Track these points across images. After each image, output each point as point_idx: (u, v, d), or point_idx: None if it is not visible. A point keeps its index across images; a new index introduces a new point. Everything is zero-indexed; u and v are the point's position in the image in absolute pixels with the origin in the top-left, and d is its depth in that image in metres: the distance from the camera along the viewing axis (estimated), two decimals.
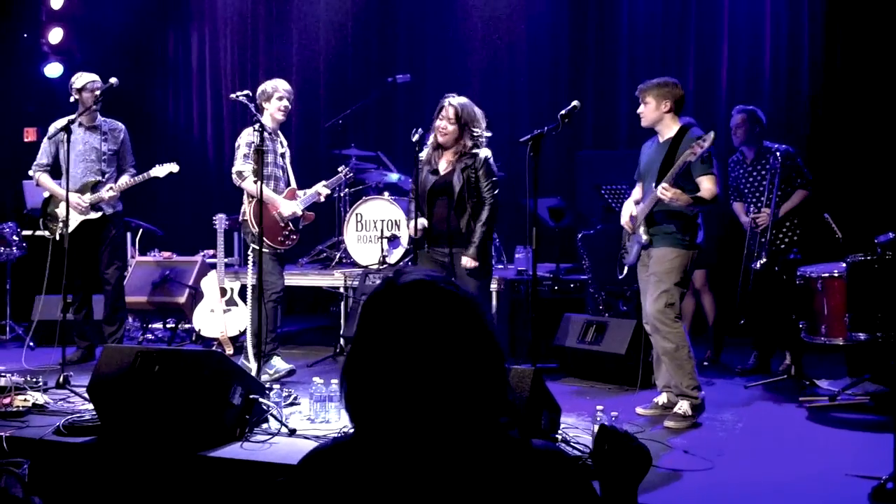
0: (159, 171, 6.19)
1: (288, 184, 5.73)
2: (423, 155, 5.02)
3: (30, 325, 6.99)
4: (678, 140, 4.63)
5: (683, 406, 4.50)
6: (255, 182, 5.16)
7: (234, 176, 5.55)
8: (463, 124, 4.74)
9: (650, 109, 4.71)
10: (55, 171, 6.12)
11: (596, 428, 3.82)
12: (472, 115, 4.78)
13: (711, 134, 4.36)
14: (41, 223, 6.27)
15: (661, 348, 4.63)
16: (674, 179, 4.46)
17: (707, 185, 4.52)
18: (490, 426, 1.44)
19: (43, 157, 6.15)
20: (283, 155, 5.68)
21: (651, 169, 4.74)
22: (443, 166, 4.96)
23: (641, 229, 4.71)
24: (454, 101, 4.79)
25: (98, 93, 5.94)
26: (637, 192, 4.97)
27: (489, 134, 4.86)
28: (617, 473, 1.61)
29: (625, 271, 4.97)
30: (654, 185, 4.59)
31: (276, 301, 5.63)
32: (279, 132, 5.66)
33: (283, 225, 5.60)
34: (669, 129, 4.71)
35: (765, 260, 5.57)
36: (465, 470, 1.39)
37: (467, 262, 4.82)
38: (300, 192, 5.75)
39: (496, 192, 4.92)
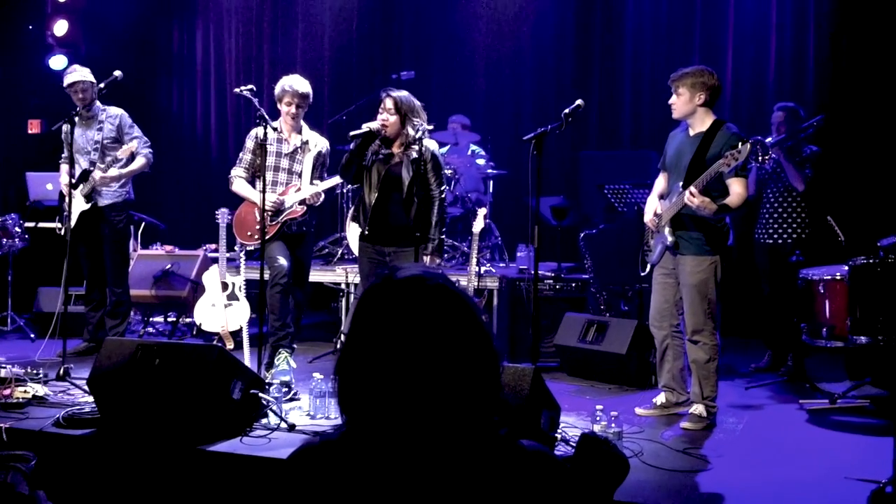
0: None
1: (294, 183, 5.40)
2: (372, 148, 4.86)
3: (32, 316, 7.02)
4: (711, 135, 4.39)
5: (699, 408, 4.47)
6: (236, 181, 5.33)
7: None
8: (403, 114, 4.71)
9: (683, 101, 4.44)
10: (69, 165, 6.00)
11: (595, 429, 3.85)
12: (410, 105, 4.73)
13: (747, 146, 4.09)
14: (57, 217, 6.26)
15: (694, 359, 4.49)
16: (703, 186, 4.25)
17: (737, 189, 4.30)
18: (480, 425, 1.44)
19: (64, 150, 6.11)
20: (290, 155, 5.37)
21: (679, 163, 4.50)
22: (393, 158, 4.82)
23: (667, 230, 4.50)
24: (393, 92, 4.76)
25: (80, 92, 5.95)
26: (660, 182, 4.75)
27: (430, 127, 4.80)
28: (595, 479, 1.63)
29: (647, 269, 4.80)
30: (680, 183, 4.41)
31: (283, 285, 5.08)
32: (303, 131, 5.41)
33: (256, 219, 5.21)
34: (702, 122, 4.46)
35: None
36: (452, 469, 1.39)
37: (431, 260, 4.74)
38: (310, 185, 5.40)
39: (444, 187, 4.84)
